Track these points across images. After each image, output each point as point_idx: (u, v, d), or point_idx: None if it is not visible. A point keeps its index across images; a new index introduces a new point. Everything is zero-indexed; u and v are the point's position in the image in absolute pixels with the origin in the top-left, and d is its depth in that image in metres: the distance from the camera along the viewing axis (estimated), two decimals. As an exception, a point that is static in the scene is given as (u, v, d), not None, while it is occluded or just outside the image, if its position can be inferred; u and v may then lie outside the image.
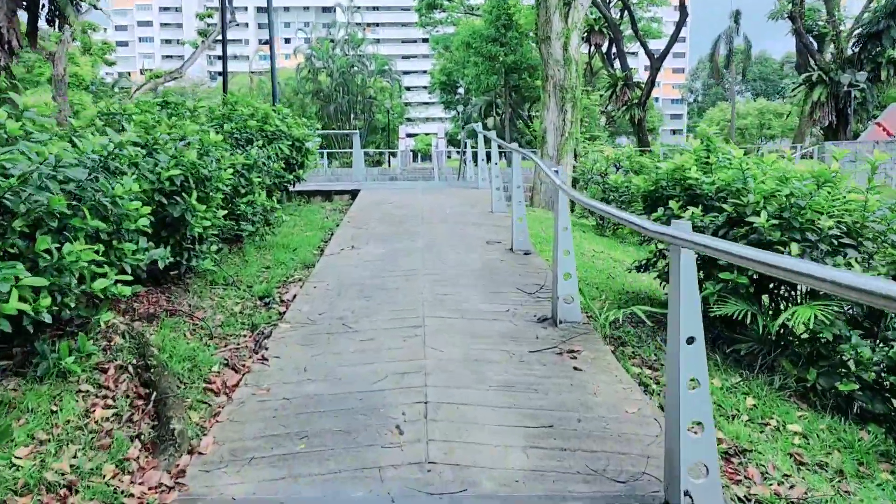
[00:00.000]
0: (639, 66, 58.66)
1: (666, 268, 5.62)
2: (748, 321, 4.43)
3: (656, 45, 43.15)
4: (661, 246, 5.57)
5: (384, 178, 34.55)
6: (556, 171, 4.68)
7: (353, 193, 11.47)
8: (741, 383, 4.09)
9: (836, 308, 4.05)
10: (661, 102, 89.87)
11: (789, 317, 4.07)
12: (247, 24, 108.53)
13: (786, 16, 31.73)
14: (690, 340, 2.41)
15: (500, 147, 9.59)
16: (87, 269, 3.46)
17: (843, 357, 4.07)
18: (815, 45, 31.34)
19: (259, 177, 6.92)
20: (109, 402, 3.38)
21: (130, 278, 3.78)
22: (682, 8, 35.45)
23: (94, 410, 3.27)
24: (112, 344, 3.93)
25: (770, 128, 64.91)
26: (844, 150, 4.57)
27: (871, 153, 4.45)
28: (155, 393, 3.38)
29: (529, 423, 3.23)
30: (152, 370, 3.59)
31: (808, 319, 3.97)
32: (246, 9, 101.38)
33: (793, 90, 33.09)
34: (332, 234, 8.28)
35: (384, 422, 3.25)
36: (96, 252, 3.60)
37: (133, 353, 3.87)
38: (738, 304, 4.32)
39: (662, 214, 5.15)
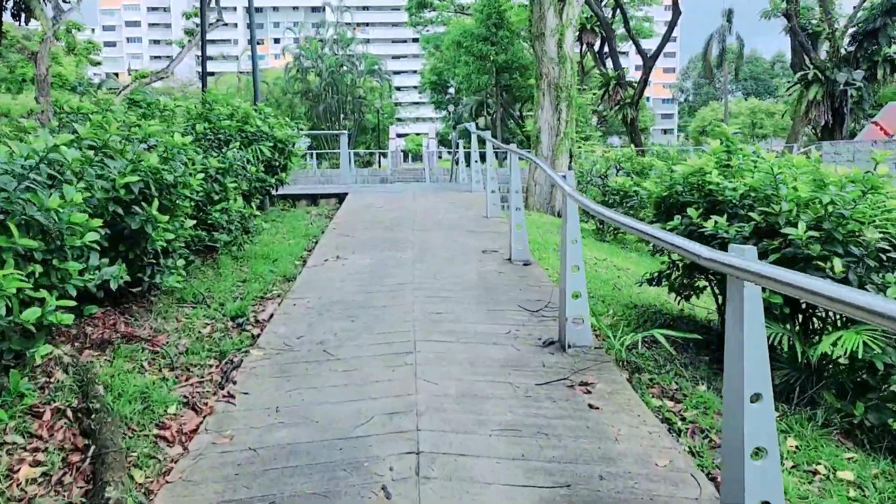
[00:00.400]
0: (629, 66, 58.26)
1: (679, 280, 5.12)
2: (785, 346, 3.94)
3: (647, 44, 42.82)
4: (675, 257, 5.06)
5: (374, 180, 33.98)
6: (565, 177, 4.15)
7: (341, 197, 10.90)
8: (780, 419, 3.58)
9: (886, 333, 3.55)
10: (651, 102, 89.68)
11: (833, 344, 3.57)
12: (235, 24, 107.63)
13: (780, 14, 31.40)
14: (756, 398, 1.89)
15: (495, 147, 9.05)
16: (14, 297, 2.91)
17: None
18: (809, 43, 30.98)
19: (235, 181, 6.36)
20: (40, 456, 2.82)
21: (74, 304, 3.22)
22: (675, 6, 35.10)
23: (20, 469, 2.72)
24: (52, 381, 3.37)
25: (762, 127, 64.68)
26: (887, 152, 4.06)
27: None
28: (94, 446, 2.83)
29: (542, 481, 2.69)
30: (94, 415, 3.04)
31: (856, 347, 3.47)
32: (235, 9, 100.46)
33: (788, 89, 32.75)
34: (316, 243, 7.72)
35: (368, 480, 2.71)
36: (31, 275, 3.06)
37: (75, 392, 3.31)
38: (773, 328, 3.81)
39: (679, 223, 4.63)
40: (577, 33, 17.24)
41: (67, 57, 39.57)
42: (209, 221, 5.77)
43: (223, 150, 6.69)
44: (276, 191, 9.27)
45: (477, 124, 56.05)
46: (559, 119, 16.69)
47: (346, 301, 5.30)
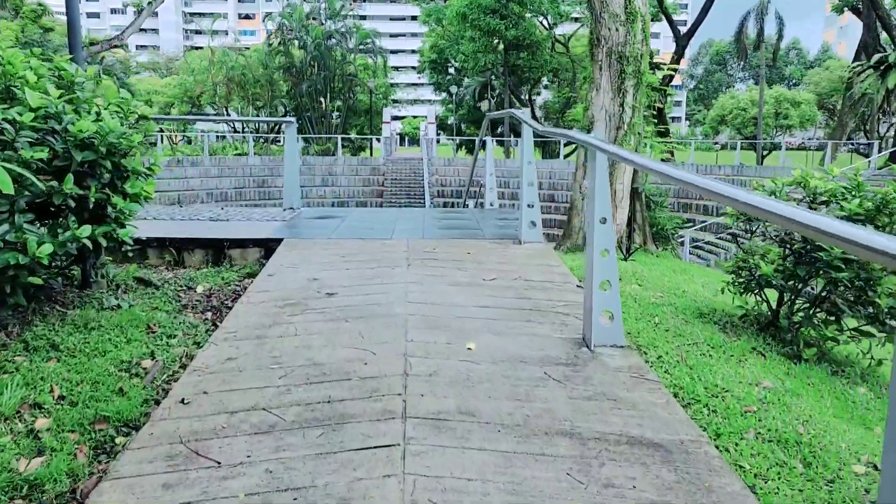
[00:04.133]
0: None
1: None
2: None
3: (660, 26, 37.72)
4: None
5: (365, 170, 28.64)
6: None
7: (269, 249, 5.65)
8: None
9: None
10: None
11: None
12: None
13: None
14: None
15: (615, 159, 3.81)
16: None
17: None
18: (891, 20, 25.69)
19: None
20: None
21: None
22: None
23: None
24: None
25: (787, 118, 59.50)
26: None
27: None
28: None
29: None
30: None
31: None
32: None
33: (861, 72, 27.44)
34: (100, 477, 2.51)
35: None
36: None
37: None
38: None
39: None
40: None
41: (12, 21, 34.06)
42: None
43: None
44: (89, 261, 4.05)
45: (479, 108, 50.67)
46: (623, 105, 11.39)
47: None
